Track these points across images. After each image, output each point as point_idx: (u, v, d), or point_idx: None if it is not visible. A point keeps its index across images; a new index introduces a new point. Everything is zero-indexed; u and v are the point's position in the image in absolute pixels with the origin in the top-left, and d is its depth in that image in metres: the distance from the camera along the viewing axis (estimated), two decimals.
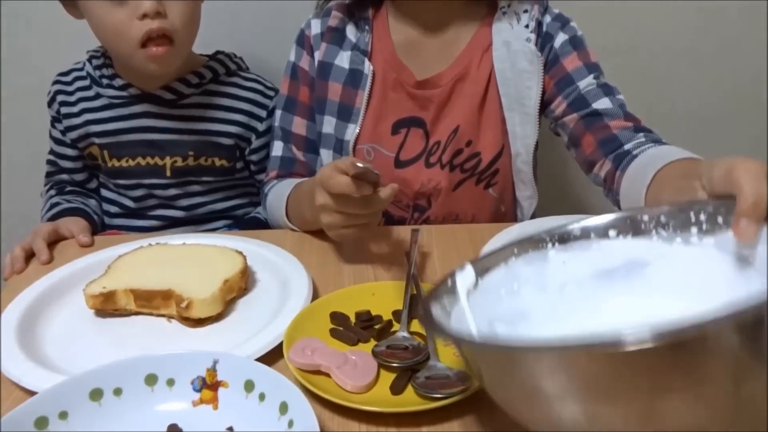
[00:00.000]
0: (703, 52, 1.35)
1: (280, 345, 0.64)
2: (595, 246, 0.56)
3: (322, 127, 1.00)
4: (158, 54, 0.94)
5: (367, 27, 0.98)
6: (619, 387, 0.37)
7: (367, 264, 0.83)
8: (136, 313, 0.74)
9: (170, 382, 0.59)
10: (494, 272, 0.55)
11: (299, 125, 1.02)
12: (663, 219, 0.54)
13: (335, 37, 0.99)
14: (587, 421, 0.39)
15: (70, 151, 1.10)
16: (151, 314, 0.74)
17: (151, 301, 0.73)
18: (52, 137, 1.11)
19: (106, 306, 0.73)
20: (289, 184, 0.95)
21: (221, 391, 0.59)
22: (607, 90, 0.93)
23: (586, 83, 0.93)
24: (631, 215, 0.56)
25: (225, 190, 1.12)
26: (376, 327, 0.68)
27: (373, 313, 0.71)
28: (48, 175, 1.12)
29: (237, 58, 1.13)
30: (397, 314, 0.70)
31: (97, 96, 1.06)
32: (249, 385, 0.58)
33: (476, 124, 0.97)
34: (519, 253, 0.56)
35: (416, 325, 0.68)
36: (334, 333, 0.68)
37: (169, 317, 0.74)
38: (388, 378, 0.61)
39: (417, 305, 0.70)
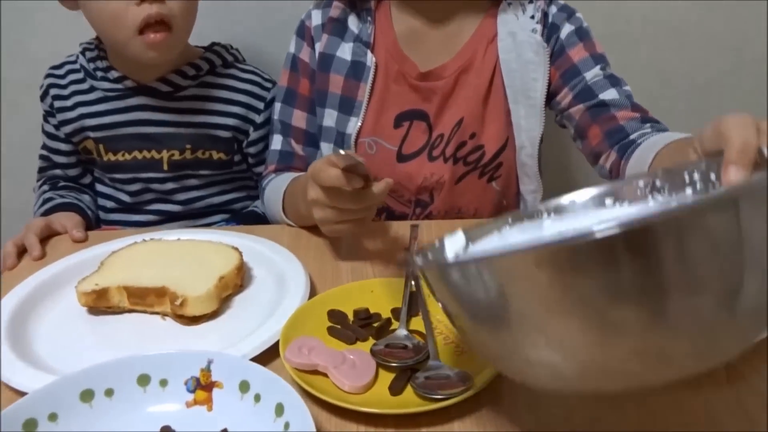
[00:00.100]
0: (706, 45, 1.33)
1: (277, 344, 0.63)
2: (592, 214, 0.55)
3: (322, 121, 0.99)
4: (156, 40, 0.92)
5: (369, 18, 0.97)
6: (575, 292, 0.38)
7: (365, 260, 0.82)
8: (130, 311, 0.73)
9: (163, 383, 0.58)
10: (486, 239, 0.55)
11: (299, 118, 1.01)
12: (658, 183, 0.53)
13: (337, 28, 0.97)
14: (546, 341, 0.40)
15: (63, 146, 1.08)
16: (144, 312, 0.73)
17: (144, 299, 0.72)
18: (44, 132, 1.09)
19: (99, 303, 0.72)
20: (287, 178, 0.94)
21: (216, 391, 0.57)
22: (614, 81, 0.91)
23: (592, 74, 0.91)
24: (626, 182, 0.55)
25: (222, 183, 1.11)
26: (375, 325, 0.67)
27: (372, 310, 0.69)
28: (41, 170, 1.10)
29: (233, 49, 1.11)
30: (396, 312, 0.69)
31: (92, 89, 1.04)
32: (244, 386, 0.56)
33: (480, 116, 0.96)
34: (513, 222, 0.56)
35: (416, 323, 0.67)
36: (331, 331, 0.66)
37: (164, 315, 0.72)
38: (387, 378, 0.60)
39: (416, 303, 0.68)
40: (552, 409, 0.57)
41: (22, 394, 0.57)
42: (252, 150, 1.09)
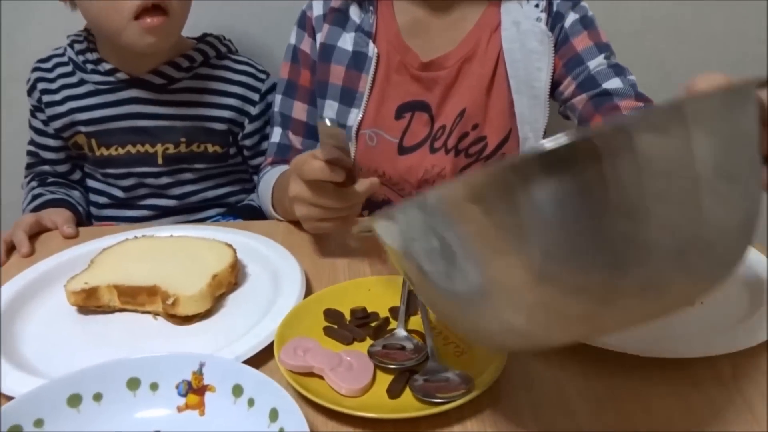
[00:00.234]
0: (706, 44, 1.31)
1: (272, 344, 0.61)
2: None
3: (323, 112, 0.97)
4: (154, 25, 0.90)
5: (371, 8, 0.95)
6: (511, 225, 0.37)
7: (362, 257, 0.80)
8: (121, 310, 0.71)
9: (154, 387, 0.56)
10: None
11: (300, 110, 0.99)
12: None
13: (338, 18, 0.96)
14: (492, 288, 0.40)
15: (52, 142, 1.05)
16: (136, 311, 0.71)
17: (135, 298, 0.70)
18: (32, 127, 1.07)
19: (89, 303, 0.70)
20: (278, 171, 0.92)
21: (208, 395, 0.55)
22: (618, 70, 0.89)
23: (596, 63, 0.89)
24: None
25: (218, 177, 1.09)
26: (372, 325, 0.65)
27: (369, 309, 0.67)
28: (29, 166, 1.08)
29: (226, 40, 1.09)
30: (394, 311, 0.67)
31: (81, 82, 1.01)
32: (237, 390, 0.54)
33: (483, 106, 0.93)
34: None
35: (414, 323, 0.65)
36: (327, 331, 0.64)
37: (155, 314, 0.70)
38: (384, 380, 0.58)
39: (415, 302, 0.66)
40: (555, 410, 0.55)
41: (8, 398, 0.55)
42: (247, 142, 1.07)
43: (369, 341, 0.63)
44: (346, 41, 0.95)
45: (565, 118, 0.97)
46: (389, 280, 0.71)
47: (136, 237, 0.80)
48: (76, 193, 1.06)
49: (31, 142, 1.07)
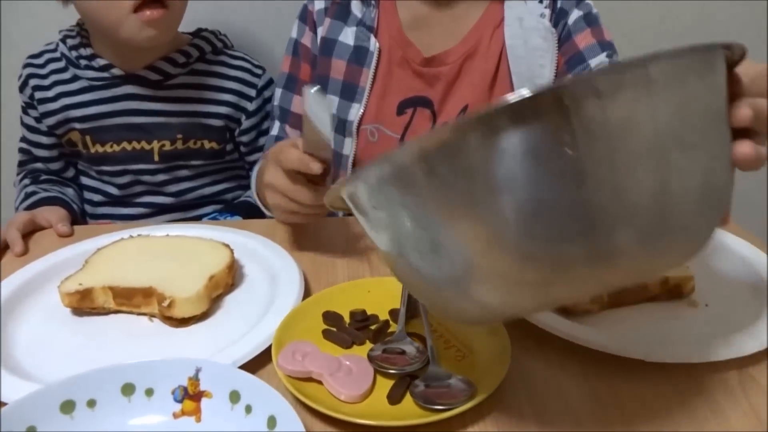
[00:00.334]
0: (709, 38, 1.30)
1: (269, 347, 0.60)
2: None
3: None
4: (153, 18, 0.88)
5: (373, 2, 0.93)
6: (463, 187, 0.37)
7: (362, 258, 0.78)
8: (116, 312, 0.70)
9: (149, 392, 0.55)
10: None
11: (299, 104, 0.98)
12: None
13: (340, 12, 0.94)
14: (453, 255, 0.39)
15: (45, 139, 1.04)
16: (131, 313, 0.69)
17: (131, 299, 0.68)
18: (24, 124, 1.05)
19: (83, 304, 0.68)
20: None
21: (204, 401, 0.54)
22: None
23: (597, 61, 0.88)
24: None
25: (214, 173, 1.08)
26: (372, 327, 0.64)
27: (369, 312, 0.66)
28: (21, 164, 1.06)
29: (222, 35, 1.08)
30: (394, 313, 0.66)
31: (75, 78, 1.00)
32: (234, 396, 0.53)
33: (485, 103, 0.92)
34: None
35: (414, 326, 0.64)
36: (326, 334, 0.63)
37: (151, 316, 0.69)
38: (385, 385, 0.57)
39: (415, 304, 0.65)
40: (558, 413, 0.54)
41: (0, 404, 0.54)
42: (244, 138, 1.06)
43: (368, 344, 0.62)
44: (348, 35, 0.93)
45: None
46: (389, 281, 0.69)
47: (131, 236, 0.79)
48: (70, 191, 1.04)
49: (24, 140, 1.05)
